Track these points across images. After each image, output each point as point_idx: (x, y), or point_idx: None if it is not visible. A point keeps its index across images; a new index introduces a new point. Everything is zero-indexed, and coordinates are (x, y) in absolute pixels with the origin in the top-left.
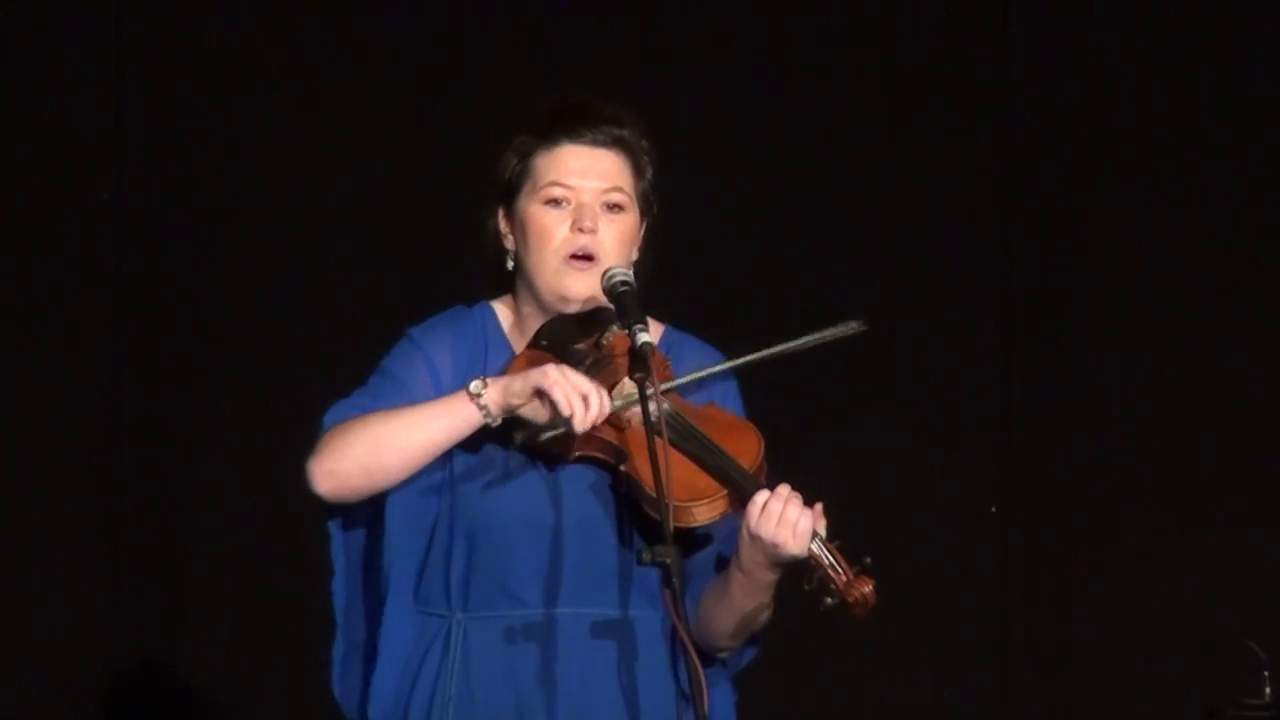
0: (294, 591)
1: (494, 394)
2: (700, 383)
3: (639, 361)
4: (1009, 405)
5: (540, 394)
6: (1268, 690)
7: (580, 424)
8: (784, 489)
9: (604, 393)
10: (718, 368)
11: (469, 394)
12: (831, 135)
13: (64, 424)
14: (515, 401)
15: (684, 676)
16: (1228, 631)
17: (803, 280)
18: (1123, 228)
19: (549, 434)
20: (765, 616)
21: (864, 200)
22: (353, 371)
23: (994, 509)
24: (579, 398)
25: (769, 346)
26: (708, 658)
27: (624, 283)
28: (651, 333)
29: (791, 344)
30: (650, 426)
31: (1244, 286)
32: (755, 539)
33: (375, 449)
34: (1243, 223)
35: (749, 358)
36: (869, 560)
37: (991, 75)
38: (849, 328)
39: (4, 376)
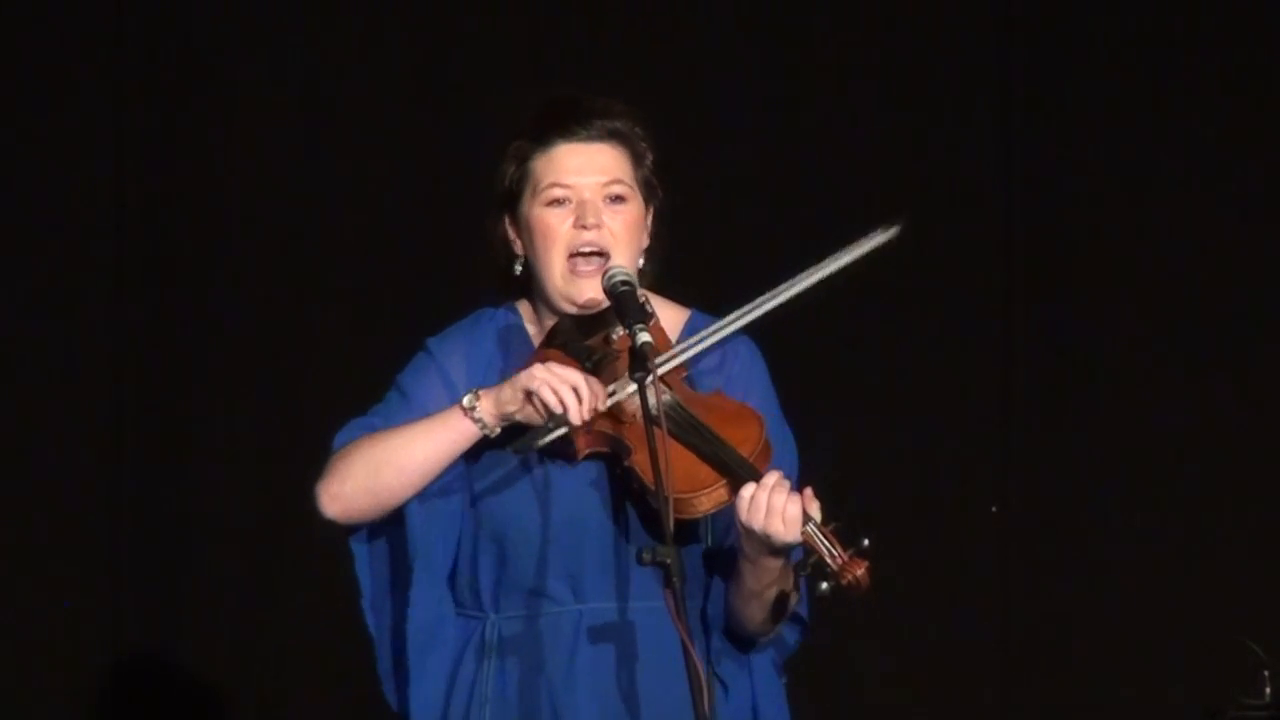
0: (295, 591)
1: (486, 405)
2: (719, 365)
3: (638, 361)
4: (1009, 405)
5: (530, 395)
6: (1268, 690)
7: (576, 416)
8: (771, 477)
9: (595, 381)
10: (702, 338)
11: (462, 408)
12: (831, 132)
13: (64, 424)
14: (509, 409)
15: (714, 653)
16: (1228, 631)
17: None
18: (1125, 227)
19: (549, 436)
20: (792, 598)
21: (863, 198)
22: (352, 371)
23: (994, 509)
24: (569, 390)
25: (773, 291)
26: (749, 642)
27: (624, 282)
28: (672, 319)
29: (808, 278)
30: (650, 426)
31: (1245, 286)
32: (747, 530)
33: (376, 470)
34: (1244, 221)
35: (742, 312)
36: (867, 543)
37: (992, 72)
38: (865, 244)
39: (4, 376)
